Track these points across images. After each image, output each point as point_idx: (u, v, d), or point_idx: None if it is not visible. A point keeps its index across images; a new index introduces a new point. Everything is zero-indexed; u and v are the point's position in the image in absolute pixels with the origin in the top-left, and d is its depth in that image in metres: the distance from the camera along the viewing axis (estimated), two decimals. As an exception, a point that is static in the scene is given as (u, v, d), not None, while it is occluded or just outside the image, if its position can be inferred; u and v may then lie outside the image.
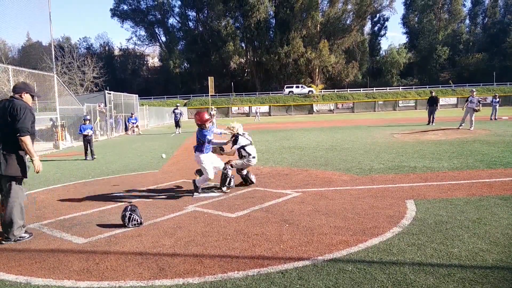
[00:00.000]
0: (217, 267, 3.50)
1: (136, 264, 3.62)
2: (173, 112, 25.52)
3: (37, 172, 4.60)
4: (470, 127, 17.04)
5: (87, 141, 12.42)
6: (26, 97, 4.66)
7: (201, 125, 6.51)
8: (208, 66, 72.90)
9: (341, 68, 75.32)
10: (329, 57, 69.78)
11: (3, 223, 4.44)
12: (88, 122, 12.94)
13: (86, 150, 12.41)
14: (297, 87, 64.36)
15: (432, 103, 21.76)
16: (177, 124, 24.82)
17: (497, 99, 24.54)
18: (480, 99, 17.53)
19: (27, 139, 4.44)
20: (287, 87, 64.59)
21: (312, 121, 35.90)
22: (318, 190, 6.52)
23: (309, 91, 62.87)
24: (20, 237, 4.47)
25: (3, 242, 4.40)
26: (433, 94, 22.30)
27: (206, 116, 6.53)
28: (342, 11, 74.98)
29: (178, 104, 28.41)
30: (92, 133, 12.78)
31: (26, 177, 4.56)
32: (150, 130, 31.06)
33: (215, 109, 30.38)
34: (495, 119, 23.37)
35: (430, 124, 21.24)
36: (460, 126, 17.54)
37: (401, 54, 78.45)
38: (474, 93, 17.80)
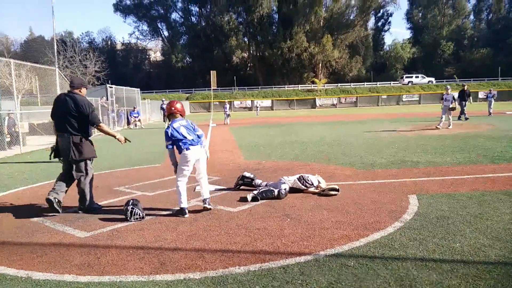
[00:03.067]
0: (218, 262, 3.49)
1: (138, 259, 3.62)
2: (162, 108, 25.88)
3: (125, 142, 5.58)
4: (449, 126, 15.82)
5: None
6: (83, 91, 5.34)
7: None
8: (211, 61, 72.60)
9: (345, 62, 74.98)
10: (333, 51, 69.41)
11: (79, 197, 5.32)
12: None
13: None
14: (417, 77, 62.82)
15: (463, 96, 20.02)
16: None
17: (491, 94, 24.16)
18: (454, 96, 16.09)
19: (103, 126, 5.35)
20: (406, 77, 63.24)
21: (315, 115, 35.82)
22: (320, 185, 6.48)
23: (428, 81, 61.40)
24: (93, 207, 5.34)
25: (79, 211, 5.26)
26: (465, 87, 20.32)
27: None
28: (345, 6, 74.55)
29: (163, 99, 28.82)
30: None
31: (96, 157, 5.44)
32: (152, 124, 31.07)
33: (228, 102, 30.84)
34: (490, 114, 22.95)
35: (461, 118, 19.79)
36: (438, 125, 15.90)
37: (405, 49, 77.98)
38: (449, 90, 16.14)
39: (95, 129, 5.44)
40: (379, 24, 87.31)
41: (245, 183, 6.38)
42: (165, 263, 3.50)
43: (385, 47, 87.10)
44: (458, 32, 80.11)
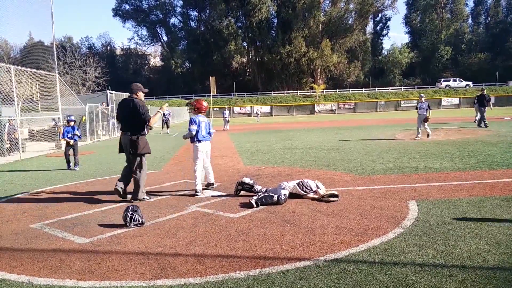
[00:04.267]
0: (218, 267, 3.50)
1: (138, 264, 3.63)
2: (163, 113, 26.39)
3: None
4: (427, 136, 14.77)
5: (71, 147, 10.41)
6: (140, 95, 6.33)
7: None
8: (210, 66, 72.84)
9: (343, 67, 75.19)
10: (331, 56, 69.63)
11: (134, 187, 6.18)
12: (73, 123, 10.62)
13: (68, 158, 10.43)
14: (454, 80, 63.68)
15: (482, 101, 18.99)
16: (166, 124, 26.15)
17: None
18: (429, 104, 14.78)
19: (151, 120, 6.18)
20: (444, 81, 63.77)
21: (314, 121, 35.88)
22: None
23: (466, 85, 62.19)
24: (143, 198, 6.18)
25: (133, 201, 6.04)
26: (484, 91, 19.36)
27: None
28: (344, 11, 74.89)
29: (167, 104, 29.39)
30: (78, 137, 10.69)
31: (150, 153, 6.40)
32: (152, 129, 31.08)
33: (227, 108, 31.28)
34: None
35: (482, 125, 18.72)
36: (416, 137, 14.71)
37: (403, 54, 78.30)
38: (423, 98, 15.09)
39: (149, 128, 6.39)
40: (378, 28, 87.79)
41: (244, 188, 6.40)
42: (166, 268, 3.51)
43: (383, 51, 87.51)
44: (456, 36, 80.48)
